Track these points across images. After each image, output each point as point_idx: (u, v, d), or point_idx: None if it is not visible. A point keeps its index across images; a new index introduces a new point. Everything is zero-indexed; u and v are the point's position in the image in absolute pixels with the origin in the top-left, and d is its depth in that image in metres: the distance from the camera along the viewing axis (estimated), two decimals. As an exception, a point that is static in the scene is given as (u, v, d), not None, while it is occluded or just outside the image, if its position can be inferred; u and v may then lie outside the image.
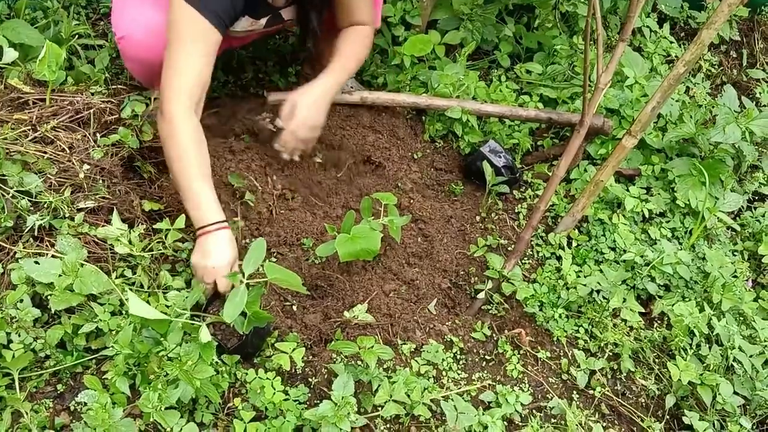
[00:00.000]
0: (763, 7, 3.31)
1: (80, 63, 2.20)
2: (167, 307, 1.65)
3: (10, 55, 1.95)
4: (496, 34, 2.82)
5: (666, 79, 1.82)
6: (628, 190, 2.28)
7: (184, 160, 1.74)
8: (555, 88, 2.60)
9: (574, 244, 2.19)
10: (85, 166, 1.81)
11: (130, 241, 1.74)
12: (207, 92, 1.88)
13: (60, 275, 1.60)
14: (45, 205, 1.72)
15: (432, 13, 2.81)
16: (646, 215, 2.27)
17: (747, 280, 2.12)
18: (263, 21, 2.06)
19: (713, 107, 2.55)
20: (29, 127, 1.83)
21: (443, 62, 2.66)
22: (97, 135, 1.93)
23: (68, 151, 1.84)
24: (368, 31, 2.14)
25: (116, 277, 1.70)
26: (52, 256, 1.65)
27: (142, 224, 1.83)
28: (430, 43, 2.60)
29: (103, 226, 1.76)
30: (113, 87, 2.20)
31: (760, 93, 2.89)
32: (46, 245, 1.69)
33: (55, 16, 2.24)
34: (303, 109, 2.01)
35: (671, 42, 2.85)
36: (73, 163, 1.82)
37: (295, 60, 2.68)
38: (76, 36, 2.24)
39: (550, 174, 2.36)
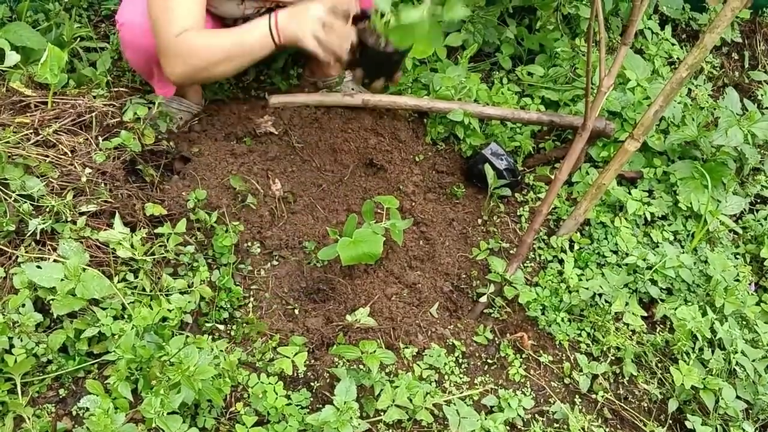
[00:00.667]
0: (765, 9, 3.31)
1: (82, 66, 2.20)
2: (169, 311, 1.65)
3: (12, 58, 1.95)
4: (497, 36, 2.82)
5: (668, 82, 1.82)
6: (630, 193, 2.28)
7: (214, 45, 1.75)
8: (557, 91, 2.60)
9: (576, 247, 2.19)
10: (87, 170, 1.81)
11: (132, 245, 1.74)
12: (208, 96, 1.88)
13: (62, 280, 1.59)
14: (47, 209, 1.72)
15: (434, 15, 2.81)
16: (649, 218, 2.26)
17: (750, 284, 2.12)
18: (251, 9, 2.03)
19: (715, 109, 2.55)
20: (31, 131, 1.83)
21: (445, 64, 2.66)
22: (99, 138, 1.93)
23: (70, 155, 1.84)
24: None
25: (118, 282, 1.70)
26: (54, 260, 1.65)
27: (144, 228, 1.82)
28: (432, 46, 2.60)
29: (105, 230, 1.76)
30: (115, 90, 2.21)
31: (761, 95, 2.88)
32: (48, 249, 1.69)
33: (56, 19, 2.23)
34: None
35: (673, 44, 2.84)
36: (75, 167, 1.82)
37: (297, 62, 2.68)
38: (78, 39, 2.23)
39: (552, 177, 2.37)
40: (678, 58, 2.84)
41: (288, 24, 1.74)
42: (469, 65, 2.68)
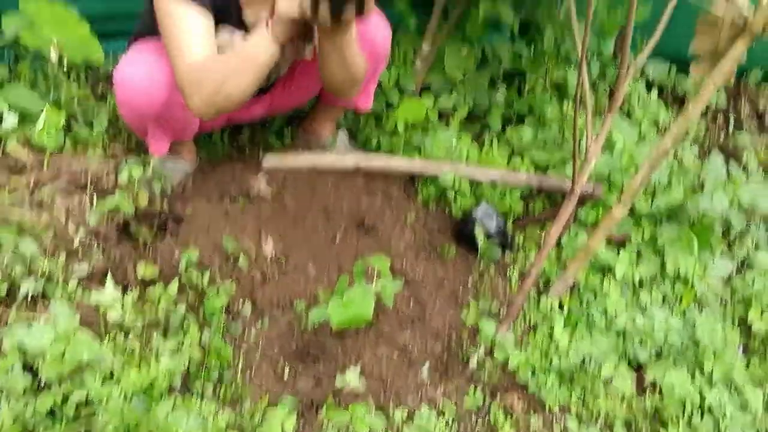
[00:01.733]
0: (748, 73, 3.40)
1: (79, 126, 2.23)
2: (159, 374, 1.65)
3: (10, 120, 1.98)
4: (488, 99, 2.88)
5: (654, 151, 1.86)
6: (618, 255, 2.30)
7: (220, 61, 1.78)
8: (546, 153, 2.65)
9: (566, 309, 2.20)
10: (81, 231, 1.83)
11: (122, 307, 1.75)
12: (203, 156, 1.90)
13: (52, 342, 1.59)
14: (39, 271, 1.73)
15: (425, 78, 2.88)
16: (637, 281, 2.28)
17: (738, 347, 2.13)
18: (240, 34, 2.02)
19: (701, 173, 2.60)
20: (26, 193, 1.86)
21: (436, 126, 2.71)
22: (94, 199, 1.95)
23: (64, 216, 1.86)
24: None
25: (108, 343, 1.70)
26: (45, 322, 1.65)
27: (136, 289, 1.83)
28: (424, 108, 2.66)
29: (96, 291, 1.77)
30: (111, 150, 2.24)
31: (747, 158, 2.94)
32: (39, 311, 1.69)
33: (55, 80, 2.28)
34: None
35: (659, 108, 2.91)
36: (68, 228, 1.84)
37: (291, 123, 2.73)
38: (76, 100, 2.27)
39: (542, 238, 2.40)
40: (664, 121, 2.90)
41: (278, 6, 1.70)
42: (459, 127, 2.73)
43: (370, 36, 2.18)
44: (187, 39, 1.79)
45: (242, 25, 1.99)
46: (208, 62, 1.79)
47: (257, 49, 1.75)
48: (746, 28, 1.69)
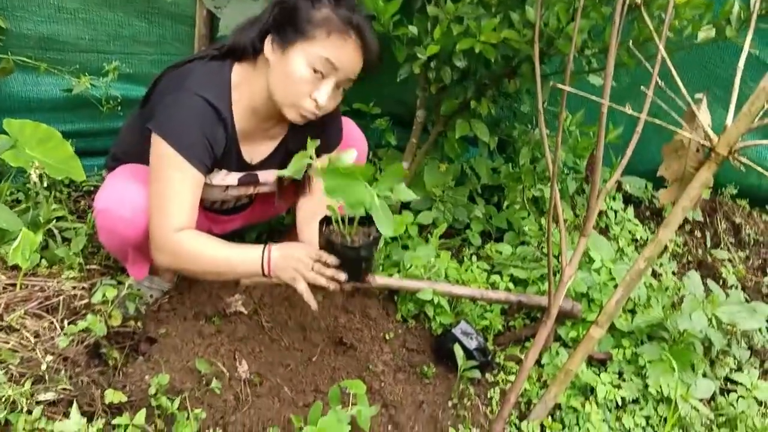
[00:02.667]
0: (724, 188, 3.48)
1: (56, 245, 2.23)
2: None
3: (-14, 241, 1.98)
4: (467, 214, 2.92)
5: (628, 273, 1.87)
6: (599, 377, 2.27)
7: (206, 255, 1.83)
8: (525, 269, 2.66)
9: (548, 433, 2.15)
10: (49, 356, 1.78)
11: (87, 439, 1.69)
12: (180, 274, 1.93)
13: (9, 478, 1.53)
14: (3, 399, 1.67)
15: (405, 194, 2.92)
16: (620, 402, 2.24)
17: (724, 478, 2.07)
18: (237, 176, 2.09)
19: (679, 289, 2.61)
20: (-4, 315, 1.83)
21: (416, 242, 2.73)
22: (65, 322, 1.92)
23: (33, 340, 1.82)
24: None
25: (70, 477, 1.63)
26: (4, 455, 1.59)
27: (102, 417, 1.77)
28: (404, 224, 2.69)
29: (61, 420, 1.71)
30: (88, 268, 2.23)
31: (725, 273, 2.96)
32: (-1, 442, 1.63)
33: (36, 199, 2.29)
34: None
35: (636, 224, 2.96)
36: (37, 353, 1.79)
37: (272, 237, 2.74)
38: (55, 219, 2.28)
39: (522, 356, 2.37)
40: (641, 238, 2.93)
41: (280, 264, 1.83)
42: (439, 242, 2.75)
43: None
44: (170, 205, 1.84)
45: (239, 161, 2.05)
46: (194, 246, 1.84)
47: (245, 268, 1.84)
48: (711, 154, 1.74)
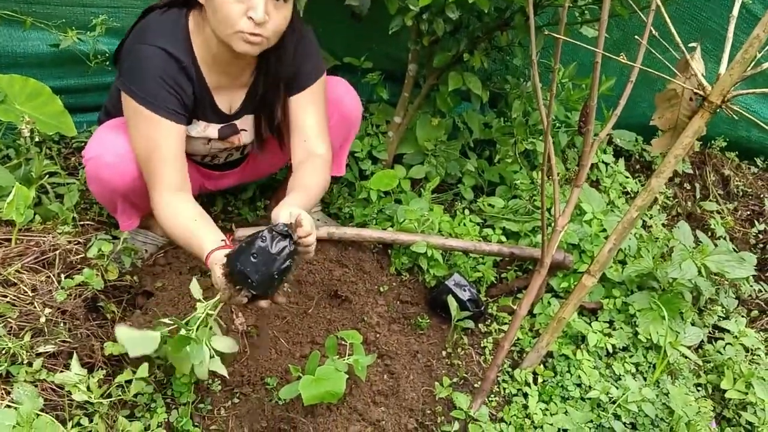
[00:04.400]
0: (713, 141, 3.50)
1: (49, 201, 2.22)
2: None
3: (-21, 196, 1.97)
4: (459, 169, 2.93)
5: (620, 222, 1.89)
6: (590, 325, 2.31)
7: (171, 227, 1.81)
8: (517, 222, 2.68)
9: (540, 380, 2.19)
10: (47, 309, 1.80)
11: (88, 388, 1.71)
12: None
13: (14, 426, 1.55)
14: (3, 351, 1.69)
15: (398, 148, 2.93)
16: (610, 350, 2.29)
17: (711, 421, 2.12)
18: (216, 128, 2.09)
19: (669, 240, 2.64)
20: (-8, 270, 1.83)
21: (409, 196, 2.74)
22: (62, 276, 1.92)
23: (31, 294, 1.83)
24: (326, 159, 2.07)
25: (72, 427, 1.65)
26: (7, 405, 1.61)
27: (102, 369, 1.79)
28: (396, 178, 2.69)
29: (61, 371, 1.73)
30: (81, 223, 2.23)
31: (714, 224, 3.00)
32: (2, 394, 1.65)
33: (27, 155, 2.27)
34: (306, 215, 1.71)
35: (627, 177, 2.98)
36: (35, 306, 1.80)
37: (264, 194, 2.74)
38: (47, 175, 2.27)
39: (515, 307, 2.40)
40: (632, 191, 2.96)
41: (212, 267, 1.68)
42: (432, 196, 2.76)
43: (340, 103, 2.25)
44: (160, 164, 1.85)
45: (215, 112, 2.04)
46: (167, 215, 1.83)
47: (195, 251, 1.77)
48: (704, 103, 1.74)
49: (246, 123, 2.16)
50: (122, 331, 1.51)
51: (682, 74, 1.79)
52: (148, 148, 1.85)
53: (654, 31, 1.84)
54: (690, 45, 1.79)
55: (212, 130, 2.09)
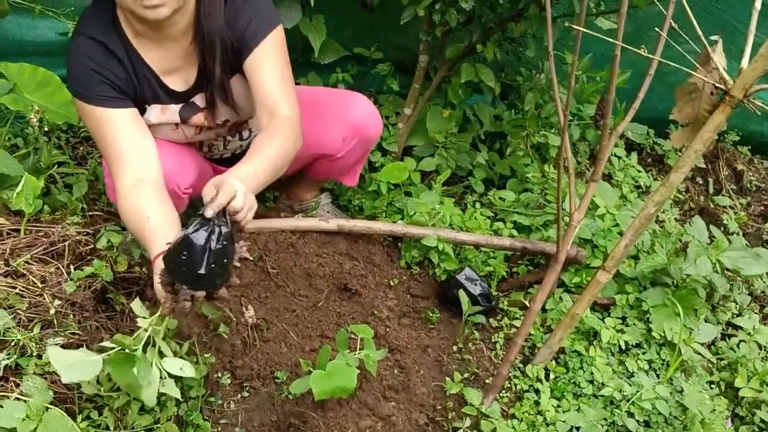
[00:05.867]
0: (725, 135, 3.46)
1: (58, 191, 2.20)
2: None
3: (-13, 186, 1.95)
4: (470, 161, 2.90)
5: (637, 218, 1.86)
6: (603, 321, 2.29)
7: (133, 224, 1.70)
8: (528, 216, 2.65)
9: (552, 376, 2.17)
10: (57, 301, 1.78)
11: (98, 380, 1.69)
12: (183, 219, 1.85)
13: (24, 419, 1.53)
14: (13, 343, 1.67)
15: (408, 140, 2.90)
16: (623, 346, 2.26)
17: (726, 419, 2.10)
18: (175, 108, 1.96)
19: (683, 235, 2.61)
20: (2, 261, 1.81)
21: (419, 188, 2.72)
22: (71, 267, 1.91)
23: (40, 285, 1.81)
24: (290, 119, 1.84)
25: (82, 420, 1.64)
26: (17, 398, 1.59)
27: (112, 361, 1.77)
28: (406, 171, 2.66)
29: (71, 364, 1.71)
30: (90, 214, 2.20)
31: (727, 220, 2.97)
32: (12, 386, 1.63)
33: (35, 144, 2.25)
34: (236, 184, 1.52)
35: (639, 170, 2.94)
36: (44, 298, 1.79)
37: (273, 186, 2.71)
38: (56, 164, 2.25)
39: (526, 302, 2.38)
40: (644, 185, 2.93)
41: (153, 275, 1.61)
42: (442, 189, 2.73)
43: (363, 128, 2.21)
44: (117, 160, 1.76)
45: (169, 93, 1.94)
46: (126, 214, 1.72)
47: (149, 252, 1.68)
48: (726, 97, 1.71)
49: (202, 100, 1.99)
50: (55, 353, 1.44)
51: (703, 67, 1.75)
52: (99, 139, 1.80)
53: (674, 24, 1.81)
54: (711, 38, 1.76)
55: (171, 112, 1.97)
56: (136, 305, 1.59)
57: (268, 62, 1.86)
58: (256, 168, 1.67)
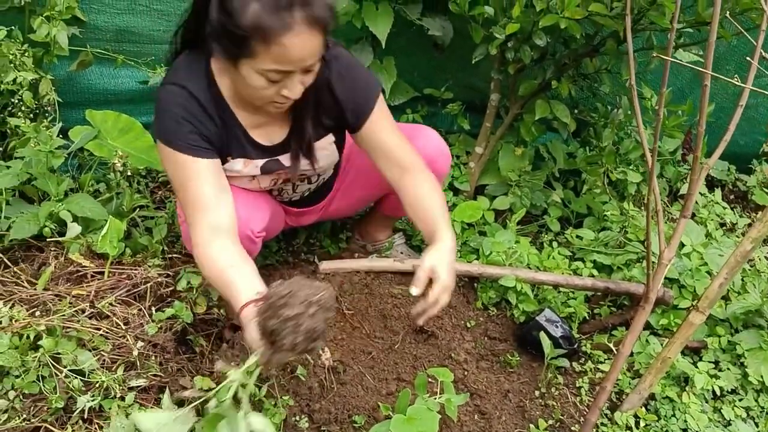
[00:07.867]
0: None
1: (139, 234, 2.24)
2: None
3: (74, 230, 1.99)
4: (544, 199, 2.84)
5: (732, 255, 1.77)
6: (695, 366, 2.17)
7: (207, 273, 1.69)
8: (609, 255, 2.56)
9: (643, 423, 2.06)
10: (140, 343, 1.79)
11: (179, 424, 1.68)
12: (258, 261, 1.82)
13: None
14: (97, 385, 1.68)
15: (479, 179, 2.86)
16: (717, 392, 2.14)
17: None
18: (259, 163, 1.96)
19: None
20: (87, 303, 1.84)
21: (493, 228, 2.66)
22: (153, 309, 1.92)
23: (123, 327, 1.83)
24: (429, 172, 1.96)
25: (164, 464, 1.62)
26: (101, 441, 1.60)
27: (192, 404, 1.76)
28: (480, 209, 2.62)
29: (151, 407, 1.71)
30: (169, 256, 2.23)
31: (821, 258, 2.81)
32: (95, 428, 1.64)
33: (117, 189, 2.31)
34: (444, 274, 1.77)
35: (724, 207, 2.83)
36: (127, 339, 1.80)
37: (345, 226, 2.71)
38: (137, 208, 2.29)
39: (611, 345, 2.28)
40: (730, 222, 2.80)
41: (244, 324, 1.56)
42: (517, 228, 2.67)
43: (433, 164, 2.16)
44: (197, 211, 1.74)
45: (257, 147, 1.94)
46: (207, 265, 1.69)
47: (230, 300, 1.65)
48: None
49: (288, 159, 2.01)
50: (141, 418, 1.43)
51: (800, 96, 1.67)
52: (179, 186, 1.78)
53: (765, 54, 1.74)
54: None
55: (254, 166, 1.97)
56: (219, 366, 1.55)
57: (385, 123, 1.94)
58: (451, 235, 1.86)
